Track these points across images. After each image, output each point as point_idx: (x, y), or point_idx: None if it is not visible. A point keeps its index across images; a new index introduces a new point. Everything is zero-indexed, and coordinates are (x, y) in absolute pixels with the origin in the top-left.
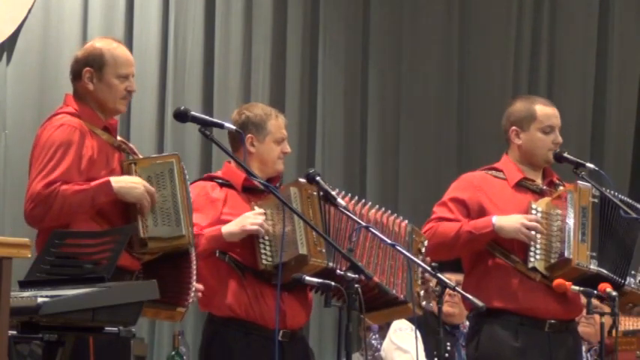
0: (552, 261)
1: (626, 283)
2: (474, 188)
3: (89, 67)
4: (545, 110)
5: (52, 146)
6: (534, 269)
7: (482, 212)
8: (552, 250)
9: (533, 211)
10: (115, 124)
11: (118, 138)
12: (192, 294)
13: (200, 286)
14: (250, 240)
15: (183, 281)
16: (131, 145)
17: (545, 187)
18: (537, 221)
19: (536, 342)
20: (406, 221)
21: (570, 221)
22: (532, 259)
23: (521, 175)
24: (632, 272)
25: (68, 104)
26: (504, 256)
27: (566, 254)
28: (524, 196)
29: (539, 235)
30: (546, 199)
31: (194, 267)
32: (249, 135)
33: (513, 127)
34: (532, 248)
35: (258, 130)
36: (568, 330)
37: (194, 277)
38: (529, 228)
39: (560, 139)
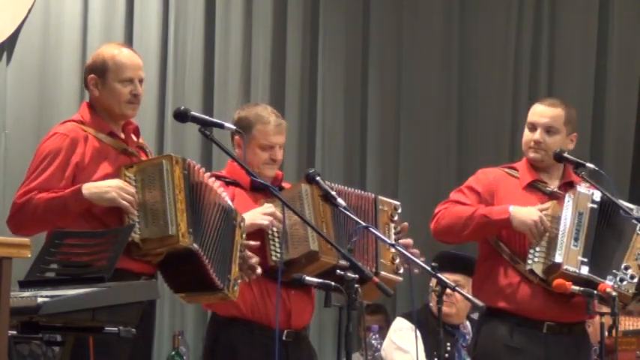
0: (549, 264)
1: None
2: (489, 183)
3: (93, 74)
4: (533, 108)
5: (40, 156)
6: (532, 272)
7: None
8: (550, 254)
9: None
10: (132, 129)
11: (141, 140)
12: (222, 277)
13: (252, 259)
14: (260, 237)
15: (201, 273)
16: (147, 148)
17: (556, 190)
18: (549, 227)
19: (533, 343)
20: (373, 194)
21: (565, 226)
22: (530, 262)
23: (531, 177)
24: (614, 271)
25: (79, 111)
26: (508, 257)
27: (556, 259)
28: (533, 198)
29: (544, 238)
30: (553, 202)
31: (205, 260)
32: (236, 137)
33: None
34: (531, 250)
35: (245, 134)
36: (571, 333)
37: (210, 267)
38: (542, 226)
39: (537, 138)
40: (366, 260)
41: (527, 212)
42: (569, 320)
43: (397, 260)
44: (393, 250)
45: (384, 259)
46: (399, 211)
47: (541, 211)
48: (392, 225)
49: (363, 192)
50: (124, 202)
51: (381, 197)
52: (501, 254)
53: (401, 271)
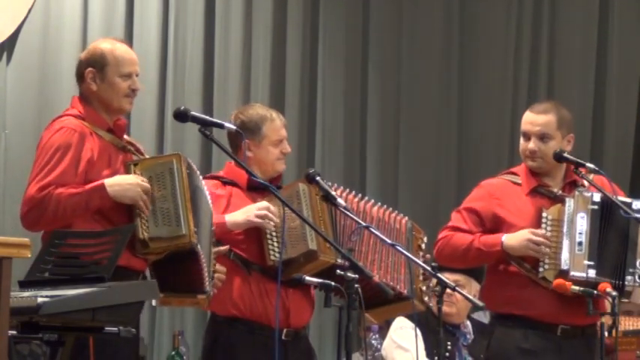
0: (559, 269)
1: (626, 283)
2: (489, 197)
3: (91, 68)
4: (525, 116)
5: (49, 150)
6: (544, 279)
7: (496, 220)
8: (558, 259)
9: (544, 219)
10: (123, 125)
11: (127, 138)
12: (209, 281)
13: (221, 268)
14: (257, 235)
15: (195, 274)
16: (138, 145)
17: (560, 193)
18: (544, 237)
19: (547, 345)
20: (406, 217)
21: (568, 230)
22: (541, 269)
23: (534, 182)
24: (631, 270)
25: (73, 106)
26: (518, 264)
27: (562, 266)
28: (537, 203)
29: (548, 250)
30: (558, 206)
31: (203, 262)
32: (246, 141)
33: None
34: (541, 257)
35: (254, 135)
36: (585, 335)
37: (205, 269)
38: (536, 243)
39: (531, 147)
40: (398, 281)
41: (518, 237)
42: (583, 323)
43: (424, 290)
44: (421, 279)
45: (415, 285)
46: (426, 240)
47: (540, 221)
48: (420, 253)
49: (395, 213)
50: (141, 202)
51: (413, 223)
52: (509, 261)
53: (426, 299)
